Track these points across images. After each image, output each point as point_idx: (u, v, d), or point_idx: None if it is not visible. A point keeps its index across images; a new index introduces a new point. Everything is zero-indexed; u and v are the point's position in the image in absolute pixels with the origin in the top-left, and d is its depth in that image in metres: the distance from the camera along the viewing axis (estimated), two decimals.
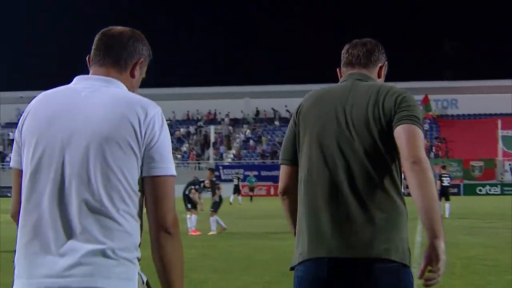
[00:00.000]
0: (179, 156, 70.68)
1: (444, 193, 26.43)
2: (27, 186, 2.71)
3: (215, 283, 10.09)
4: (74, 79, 2.88)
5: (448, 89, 75.73)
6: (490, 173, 62.58)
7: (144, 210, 2.79)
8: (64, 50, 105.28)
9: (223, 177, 64.20)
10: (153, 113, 2.73)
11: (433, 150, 67.42)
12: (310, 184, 3.40)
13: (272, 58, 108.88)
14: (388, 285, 3.19)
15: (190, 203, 20.92)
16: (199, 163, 70.44)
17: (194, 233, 20.06)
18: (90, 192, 2.64)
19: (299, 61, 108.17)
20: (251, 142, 77.41)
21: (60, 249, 2.61)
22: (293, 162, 3.56)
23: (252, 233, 20.64)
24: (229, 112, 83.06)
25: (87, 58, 2.96)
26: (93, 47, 2.93)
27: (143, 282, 2.77)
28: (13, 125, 71.79)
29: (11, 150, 2.98)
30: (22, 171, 2.78)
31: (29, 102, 2.91)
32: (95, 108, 2.71)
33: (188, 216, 20.43)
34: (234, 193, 47.42)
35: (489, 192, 59.66)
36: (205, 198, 23.89)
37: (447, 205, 26.26)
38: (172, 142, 2.64)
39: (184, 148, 75.81)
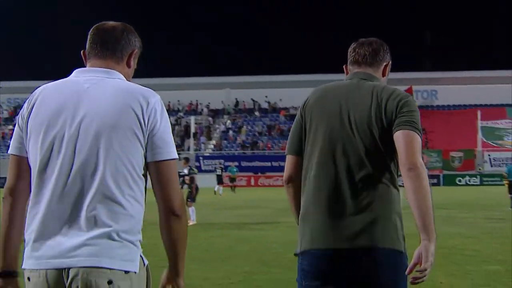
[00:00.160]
0: None
1: None
2: (37, 174, 2.88)
3: (196, 273, 10.08)
4: (74, 72, 3.05)
5: (428, 80, 76.09)
6: (469, 164, 62.97)
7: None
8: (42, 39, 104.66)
9: (203, 167, 64.21)
10: (153, 101, 2.93)
11: None
12: (316, 177, 3.61)
13: (253, 49, 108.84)
14: (386, 271, 3.44)
15: None
16: (179, 154, 70.38)
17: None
18: (98, 178, 2.81)
19: (280, 52, 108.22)
20: (232, 132, 77.40)
21: (68, 231, 2.80)
22: (298, 153, 3.77)
23: (233, 224, 20.66)
24: (209, 103, 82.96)
25: (82, 53, 3.13)
26: (88, 42, 3.10)
27: (144, 265, 2.95)
28: None
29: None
30: (22, 157, 2.97)
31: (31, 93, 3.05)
32: (99, 99, 2.88)
33: None
34: (219, 183, 47.49)
35: (468, 182, 60.07)
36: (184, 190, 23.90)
37: None
38: None
39: None
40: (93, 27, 3.13)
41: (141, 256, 2.93)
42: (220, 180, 48.02)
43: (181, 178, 21.81)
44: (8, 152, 3.05)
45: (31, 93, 3.05)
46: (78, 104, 2.89)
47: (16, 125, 3.04)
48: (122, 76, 3.05)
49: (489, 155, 64.92)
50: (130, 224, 2.87)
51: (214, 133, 78.19)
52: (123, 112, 2.86)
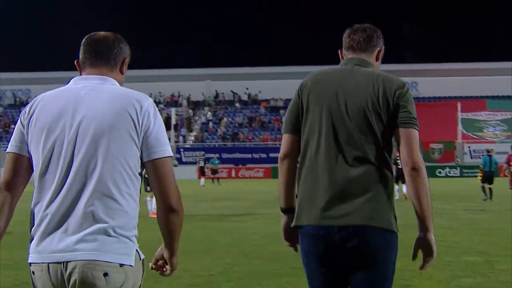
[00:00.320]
0: None
1: (400, 175, 26.67)
2: (39, 175, 3.11)
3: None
4: (71, 80, 3.27)
5: (408, 72, 76.18)
6: (449, 156, 63.26)
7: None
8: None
9: (184, 159, 64.18)
10: (146, 104, 3.14)
11: None
12: (312, 158, 3.82)
13: (235, 40, 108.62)
14: (378, 246, 3.68)
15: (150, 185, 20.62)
16: None
17: (154, 216, 19.82)
18: (97, 177, 3.03)
19: (261, 44, 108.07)
20: (213, 124, 77.33)
21: (68, 227, 3.02)
22: (294, 131, 3.95)
23: (214, 216, 20.68)
24: (190, 95, 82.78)
25: (75, 62, 3.35)
26: (82, 52, 3.32)
27: (140, 258, 3.17)
28: None
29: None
30: (22, 156, 3.18)
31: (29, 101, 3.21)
32: (96, 104, 3.10)
33: (148, 198, 20.10)
34: (202, 175, 47.62)
35: (448, 174, 60.37)
36: None
37: (404, 186, 26.43)
38: None
39: None
40: (86, 38, 3.33)
41: (137, 250, 3.15)
42: (203, 172, 48.10)
43: None
44: (7, 151, 3.24)
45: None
46: (76, 109, 3.10)
47: (17, 125, 3.23)
48: (116, 82, 3.27)
49: (469, 147, 65.29)
50: (126, 220, 3.08)
51: (194, 125, 78.08)
52: (118, 115, 3.07)
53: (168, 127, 72.99)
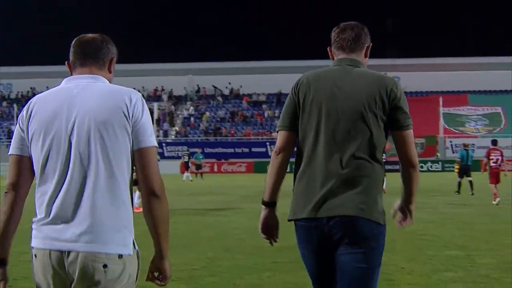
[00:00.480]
0: None
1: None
2: (40, 170, 3.31)
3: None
4: (63, 80, 3.47)
5: (391, 66, 76.40)
6: (431, 150, 63.48)
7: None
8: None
9: (166, 154, 64.06)
10: (135, 99, 3.33)
11: None
12: (310, 155, 4.05)
13: (218, 35, 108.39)
14: (365, 236, 3.92)
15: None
16: None
17: (137, 210, 19.68)
18: (94, 171, 3.23)
19: (243, 38, 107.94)
20: (195, 119, 77.21)
21: (70, 219, 3.21)
22: (290, 128, 4.15)
23: (196, 210, 20.69)
24: (172, 89, 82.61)
25: (66, 63, 3.53)
26: (72, 54, 3.51)
27: (134, 247, 3.35)
28: None
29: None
30: (24, 157, 3.37)
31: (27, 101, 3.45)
32: (89, 101, 3.29)
33: (137, 192, 20.05)
34: (186, 170, 47.65)
35: (430, 168, 60.55)
36: None
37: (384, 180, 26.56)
38: None
39: None
40: (75, 40, 3.53)
41: (133, 241, 3.34)
42: (187, 167, 48.11)
43: None
44: (9, 153, 3.44)
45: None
46: (70, 107, 3.30)
47: (17, 128, 3.44)
48: (105, 80, 3.47)
49: (450, 142, 65.59)
50: (123, 211, 3.29)
51: (177, 120, 77.90)
52: (111, 111, 3.26)
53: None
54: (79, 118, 3.27)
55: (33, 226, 3.33)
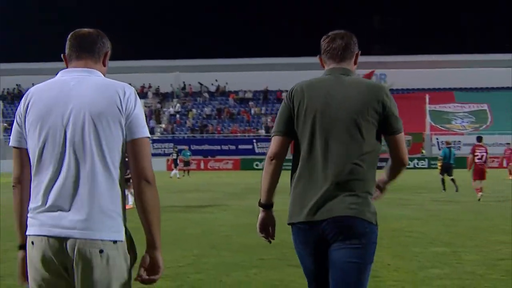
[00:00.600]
0: None
1: None
2: (37, 160, 3.44)
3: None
4: (59, 73, 3.60)
5: (377, 63, 76.51)
6: (418, 147, 63.63)
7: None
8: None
9: (153, 151, 63.82)
10: (129, 92, 3.47)
11: None
12: (305, 160, 4.23)
13: (205, 31, 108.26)
14: (358, 232, 4.09)
15: None
16: None
17: (129, 207, 19.63)
18: (90, 161, 3.37)
19: (231, 35, 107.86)
20: (182, 116, 77.09)
21: (66, 207, 3.35)
22: (284, 133, 4.32)
23: (182, 207, 20.67)
24: (159, 86, 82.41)
25: (62, 56, 3.68)
26: (68, 47, 3.64)
27: (127, 233, 3.49)
28: None
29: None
30: (23, 149, 3.52)
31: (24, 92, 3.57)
32: (84, 93, 3.43)
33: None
34: (175, 167, 47.63)
35: (416, 165, 60.71)
36: None
37: None
38: None
39: None
40: (71, 34, 3.67)
41: (125, 226, 3.48)
42: (176, 164, 48.10)
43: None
44: (10, 144, 3.66)
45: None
46: (66, 99, 3.42)
47: (15, 121, 3.57)
48: (100, 74, 3.60)
49: (437, 139, 65.73)
50: (117, 200, 3.43)
51: (163, 117, 77.76)
52: (105, 103, 3.40)
53: None
54: (74, 110, 3.40)
55: (30, 214, 3.45)
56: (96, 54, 3.64)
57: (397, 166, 4.42)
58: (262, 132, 71.59)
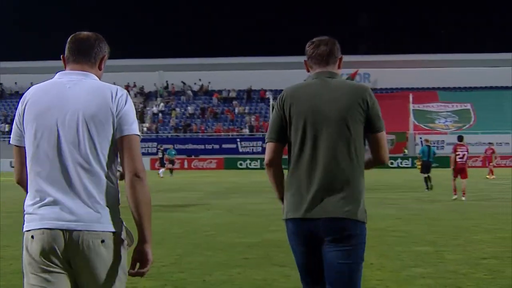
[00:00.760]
0: None
1: None
2: (32, 159, 3.64)
3: (127, 257, 10.06)
4: (57, 74, 3.80)
5: (361, 63, 76.72)
6: (401, 147, 63.89)
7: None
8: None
9: None
10: (120, 94, 3.69)
11: None
12: (301, 163, 4.47)
13: (190, 31, 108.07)
14: (351, 234, 4.35)
15: None
16: None
17: None
18: (85, 159, 3.58)
19: (214, 34, 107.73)
20: (165, 115, 76.94)
21: (66, 202, 3.54)
22: (277, 140, 4.59)
23: (166, 206, 20.63)
24: (143, 86, 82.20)
25: (61, 57, 3.87)
26: (67, 50, 3.84)
27: (123, 224, 3.74)
28: None
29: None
30: (22, 147, 3.73)
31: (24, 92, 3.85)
32: (79, 95, 3.65)
33: None
34: (161, 166, 47.54)
35: (400, 165, 60.96)
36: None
37: None
38: None
39: None
40: (71, 36, 3.85)
41: (121, 218, 3.71)
42: (163, 163, 48.03)
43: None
44: (10, 142, 3.87)
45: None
46: (63, 100, 3.63)
47: (14, 121, 3.77)
48: (96, 77, 3.81)
49: (420, 138, 65.94)
50: (113, 194, 3.66)
51: (146, 116, 77.58)
52: (98, 105, 3.60)
53: None
54: (70, 111, 3.60)
55: (28, 210, 3.63)
56: (93, 58, 3.84)
57: (376, 163, 4.63)
58: (246, 131, 71.66)
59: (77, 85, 3.70)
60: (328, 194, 4.37)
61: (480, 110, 72.51)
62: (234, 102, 79.25)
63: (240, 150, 67.36)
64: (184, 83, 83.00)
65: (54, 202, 3.55)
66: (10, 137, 3.86)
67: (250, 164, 63.53)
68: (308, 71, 4.80)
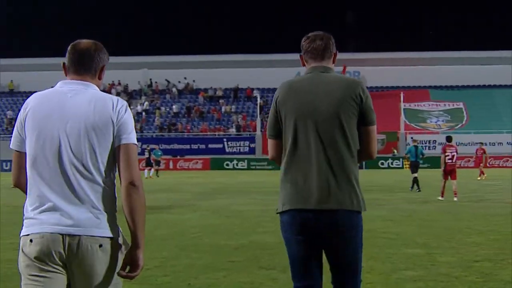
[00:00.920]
0: None
1: None
2: (33, 165, 3.82)
3: None
4: (59, 83, 4.00)
5: (351, 60, 76.69)
6: (392, 146, 63.92)
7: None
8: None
9: None
10: (120, 105, 3.90)
11: None
12: (296, 156, 4.68)
13: (176, 28, 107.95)
14: (347, 225, 4.63)
15: None
16: None
17: None
18: (83, 166, 3.78)
19: (200, 32, 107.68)
20: (150, 114, 76.77)
21: (65, 208, 3.73)
22: (276, 137, 4.85)
23: (151, 208, 20.52)
24: (127, 84, 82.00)
25: (62, 64, 4.08)
26: (67, 60, 4.03)
27: (119, 230, 3.92)
28: None
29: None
30: (22, 153, 3.91)
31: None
32: (80, 105, 3.84)
33: None
34: (147, 166, 47.45)
35: (391, 165, 61.05)
36: None
37: None
38: None
39: None
40: (71, 46, 4.04)
41: (117, 225, 3.90)
42: (149, 164, 47.95)
43: None
44: (10, 147, 4.01)
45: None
46: (64, 109, 3.83)
47: (15, 127, 3.95)
48: (96, 88, 4.01)
49: (411, 138, 66.10)
50: (111, 201, 3.85)
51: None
52: (99, 115, 3.81)
53: None
54: (71, 120, 3.80)
55: (28, 215, 3.81)
56: (93, 70, 4.04)
57: (363, 158, 4.83)
58: (233, 131, 71.60)
59: (78, 95, 3.89)
60: (326, 186, 4.57)
61: (473, 109, 72.74)
62: (221, 101, 79.19)
63: (227, 150, 67.36)
64: (168, 82, 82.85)
65: (54, 208, 3.74)
66: None
67: (237, 164, 63.52)
68: (304, 65, 5.01)
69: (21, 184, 3.99)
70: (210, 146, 67.37)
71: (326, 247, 4.72)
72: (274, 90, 78.05)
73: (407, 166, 28.86)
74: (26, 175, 3.89)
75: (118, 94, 79.17)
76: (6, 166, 54.96)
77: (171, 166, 63.16)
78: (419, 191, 27.28)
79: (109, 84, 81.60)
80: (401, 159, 61.46)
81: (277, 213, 4.82)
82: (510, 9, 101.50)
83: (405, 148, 63.57)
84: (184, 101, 79.70)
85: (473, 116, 71.58)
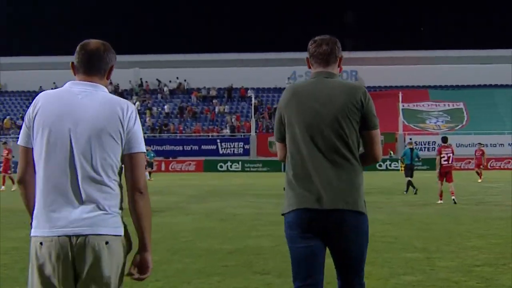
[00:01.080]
0: None
1: None
2: (42, 164, 3.98)
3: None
4: (68, 83, 4.16)
5: (348, 60, 76.67)
6: (391, 148, 63.85)
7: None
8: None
9: None
10: (131, 110, 4.10)
11: None
12: (300, 160, 4.89)
13: (168, 27, 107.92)
14: (352, 225, 4.87)
15: None
16: None
17: None
18: (92, 168, 3.96)
19: (192, 31, 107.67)
20: (141, 114, 76.71)
21: (74, 208, 3.92)
22: (282, 140, 5.10)
23: None
24: (118, 84, 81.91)
25: (70, 64, 4.23)
26: (76, 60, 4.19)
27: (126, 228, 4.14)
28: None
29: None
30: (29, 148, 4.06)
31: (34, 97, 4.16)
32: (91, 107, 4.01)
33: None
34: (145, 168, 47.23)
35: (389, 167, 61.01)
36: None
37: None
38: None
39: None
40: (80, 46, 4.20)
41: (124, 222, 4.12)
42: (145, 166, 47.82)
43: None
44: (18, 143, 4.15)
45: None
46: (75, 111, 3.99)
47: (24, 123, 4.09)
48: (105, 89, 4.19)
49: (410, 139, 66.14)
50: (116, 200, 4.05)
51: None
52: (108, 117, 4.00)
53: None
54: (81, 122, 3.96)
55: (36, 214, 4.00)
56: (102, 70, 4.22)
57: (368, 162, 5.06)
58: (227, 131, 71.55)
59: (88, 96, 4.06)
60: (329, 188, 4.78)
61: (473, 109, 72.74)
62: (214, 101, 79.15)
63: (221, 151, 67.30)
64: (159, 81, 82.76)
65: (62, 208, 3.92)
66: None
67: (231, 166, 63.48)
68: (310, 67, 5.20)
69: (25, 181, 4.13)
70: (203, 147, 67.30)
71: (332, 246, 4.93)
72: (269, 90, 78.15)
73: (402, 169, 28.86)
74: (34, 171, 4.06)
75: (110, 93, 79.07)
76: None
77: (163, 168, 63.01)
78: (416, 193, 27.26)
79: None
80: (399, 161, 61.40)
81: (283, 214, 5.02)
82: (510, 8, 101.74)
83: (393, 150, 63.81)
84: (176, 101, 79.64)
85: (473, 116, 71.55)
